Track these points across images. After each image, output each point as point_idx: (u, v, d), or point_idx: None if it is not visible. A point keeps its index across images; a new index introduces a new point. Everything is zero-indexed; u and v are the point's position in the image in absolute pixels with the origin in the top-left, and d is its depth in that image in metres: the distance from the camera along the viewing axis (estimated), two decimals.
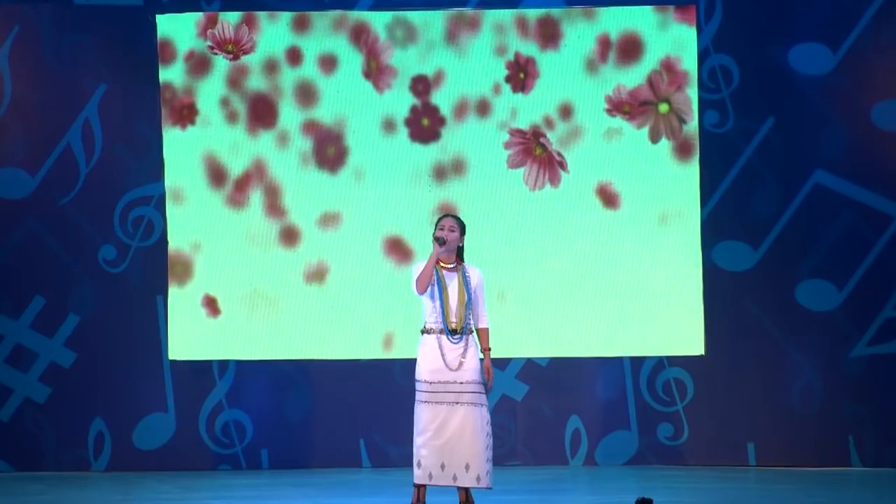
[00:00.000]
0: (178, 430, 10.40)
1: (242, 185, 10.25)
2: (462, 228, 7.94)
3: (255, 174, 10.18)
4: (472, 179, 10.24)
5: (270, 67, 10.09)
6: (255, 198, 10.30)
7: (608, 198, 10.20)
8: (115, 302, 10.41)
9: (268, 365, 10.37)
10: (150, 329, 10.40)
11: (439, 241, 7.79)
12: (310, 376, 10.40)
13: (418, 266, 7.89)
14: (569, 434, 10.36)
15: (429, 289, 7.82)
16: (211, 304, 10.34)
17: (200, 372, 10.42)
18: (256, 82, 10.14)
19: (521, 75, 10.08)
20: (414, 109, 10.20)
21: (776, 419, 10.23)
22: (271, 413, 10.39)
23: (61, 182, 10.38)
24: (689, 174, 10.26)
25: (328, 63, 10.18)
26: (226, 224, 10.37)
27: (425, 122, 10.23)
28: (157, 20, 10.13)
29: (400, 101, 10.22)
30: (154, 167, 10.40)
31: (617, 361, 10.34)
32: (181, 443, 10.39)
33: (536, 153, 10.09)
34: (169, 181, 10.33)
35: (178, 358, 10.40)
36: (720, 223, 10.30)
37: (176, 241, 10.39)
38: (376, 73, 9.94)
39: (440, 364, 7.78)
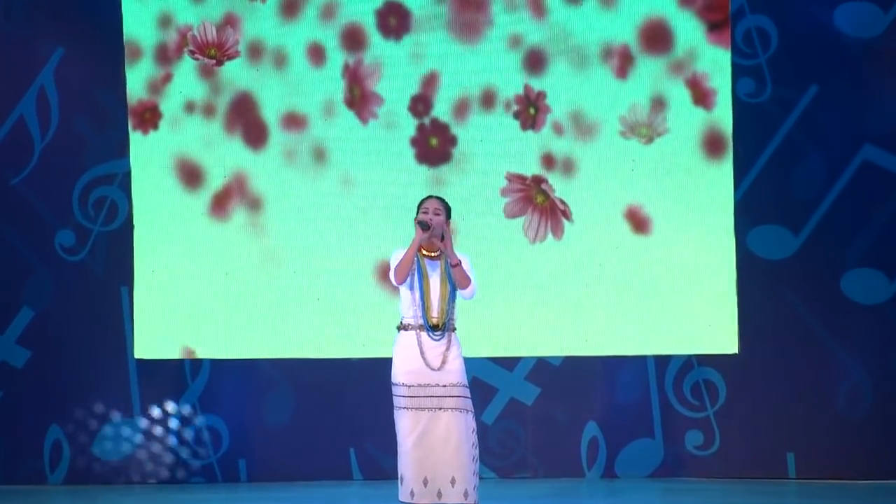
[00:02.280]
0: (144, 437, 10.23)
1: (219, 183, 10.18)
2: (448, 211, 7.76)
3: (236, 187, 10.15)
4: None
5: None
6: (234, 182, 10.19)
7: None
8: (73, 294, 10.23)
9: (246, 364, 10.20)
10: (114, 324, 10.23)
11: (423, 225, 7.63)
12: (294, 377, 10.21)
13: (398, 253, 7.72)
14: (585, 442, 10.16)
15: (408, 279, 7.67)
16: (182, 296, 10.13)
17: (170, 372, 10.26)
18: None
19: (531, 111, 9.96)
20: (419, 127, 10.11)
21: (819, 426, 10.05)
22: (250, 419, 10.23)
23: (13, 159, 10.27)
24: (720, 151, 10.08)
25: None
26: (199, 205, 10.20)
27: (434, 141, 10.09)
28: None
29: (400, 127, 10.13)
30: (118, 142, 10.20)
31: (639, 361, 10.14)
32: (148, 452, 10.23)
33: (538, 201, 9.93)
34: (135, 157, 10.17)
35: (146, 357, 10.22)
36: (756, 205, 10.10)
37: (143, 225, 10.19)
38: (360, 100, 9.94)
39: (419, 364, 7.64)
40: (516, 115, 10.01)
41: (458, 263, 7.63)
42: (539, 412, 10.18)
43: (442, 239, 7.66)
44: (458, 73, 10.02)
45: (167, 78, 10.06)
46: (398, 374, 7.73)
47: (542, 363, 10.19)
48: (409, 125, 10.07)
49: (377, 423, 9.82)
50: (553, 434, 10.19)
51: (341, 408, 10.19)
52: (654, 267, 10.04)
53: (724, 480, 10.02)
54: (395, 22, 10.06)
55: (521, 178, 10.01)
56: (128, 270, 10.20)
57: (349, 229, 10.12)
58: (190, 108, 10.04)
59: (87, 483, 10.21)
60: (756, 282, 10.06)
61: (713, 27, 9.91)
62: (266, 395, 10.24)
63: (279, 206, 10.15)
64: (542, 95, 9.97)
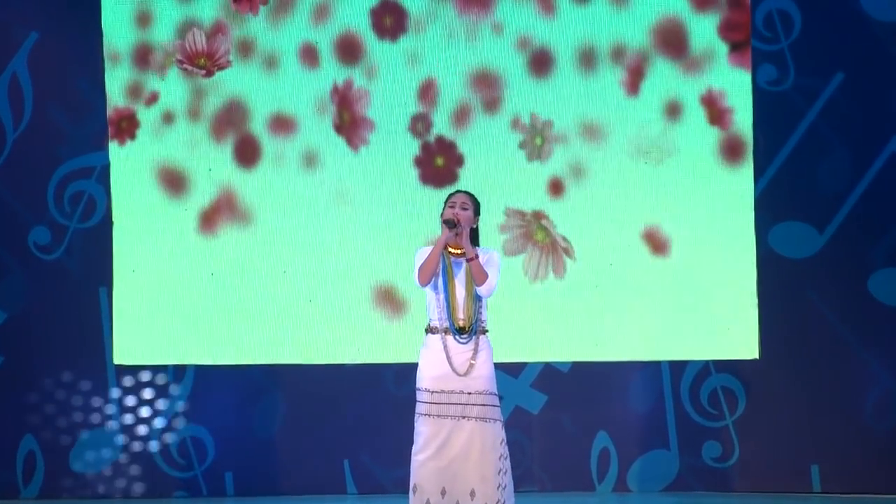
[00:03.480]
0: (125, 449, 10.13)
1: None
2: (476, 206, 7.70)
3: (224, 199, 10.06)
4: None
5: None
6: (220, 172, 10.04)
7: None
8: (48, 295, 10.14)
9: (233, 370, 10.12)
10: (92, 327, 10.12)
11: (449, 223, 7.56)
12: (284, 384, 10.14)
13: (422, 252, 7.65)
14: (595, 454, 10.08)
15: (433, 280, 7.61)
16: (165, 297, 10.04)
17: (152, 379, 10.16)
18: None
19: (537, 141, 9.87)
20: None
21: (846, 437, 9.99)
22: (237, 428, 10.14)
23: None
24: (739, 138, 9.98)
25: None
26: (182, 202, 10.09)
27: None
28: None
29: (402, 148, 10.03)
30: (96, 132, 10.09)
31: (653, 367, 10.08)
32: (129, 465, 10.14)
33: (538, 238, 9.90)
34: (114, 149, 10.05)
35: (126, 362, 10.12)
36: (778, 201, 10.03)
37: (122, 221, 10.08)
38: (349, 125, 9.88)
39: (445, 369, 7.58)
40: (522, 146, 9.94)
41: (475, 257, 7.56)
42: (546, 421, 10.13)
43: (461, 233, 7.64)
44: (456, 82, 9.95)
45: (147, 84, 10.00)
46: (423, 378, 7.66)
47: (549, 369, 10.12)
48: (411, 145, 10.01)
49: (373, 433, 10.00)
50: (561, 445, 10.12)
51: (335, 417, 10.11)
52: (668, 266, 9.94)
53: (743, 495, 10.00)
54: (390, 21, 9.96)
55: (520, 214, 9.91)
56: (106, 270, 10.11)
57: (345, 227, 10.01)
58: (169, 117, 9.96)
59: (63, 497, 10.16)
60: (778, 282, 10.00)
61: (735, 47, 9.86)
62: (254, 404, 10.16)
63: (270, 203, 10.02)
64: (548, 125, 9.90)
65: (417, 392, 7.65)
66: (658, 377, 10.06)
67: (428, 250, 7.61)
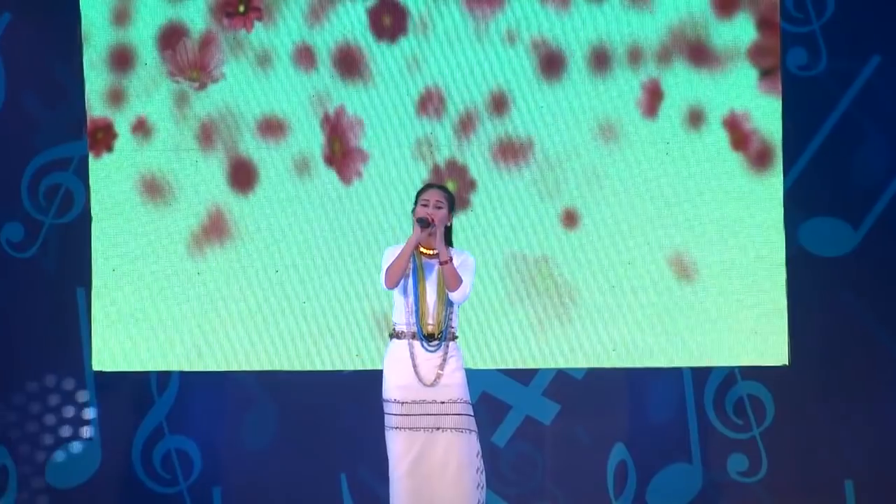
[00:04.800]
0: (104, 462, 9.99)
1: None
2: (451, 203, 7.73)
3: (213, 219, 9.93)
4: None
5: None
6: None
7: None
8: (22, 296, 10.05)
9: (221, 377, 9.97)
10: (69, 331, 9.99)
11: (422, 222, 7.59)
12: (277, 392, 9.99)
13: (392, 251, 7.71)
14: (612, 467, 9.92)
15: (401, 281, 7.66)
16: (147, 298, 9.92)
17: (134, 386, 10.02)
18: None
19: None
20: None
21: (882, 450, 9.86)
22: (226, 440, 10.02)
23: None
24: (769, 124, 9.80)
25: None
26: (166, 198, 10.01)
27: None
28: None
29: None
30: (73, 120, 9.95)
31: (674, 373, 9.90)
32: (109, 479, 10.01)
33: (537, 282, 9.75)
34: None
35: (105, 368, 9.96)
36: (809, 195, 9.87)
37: (102, 216, 9.93)
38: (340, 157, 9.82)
39: (411, 378, 7.65)
40: (534, 184, 9.84)
41: (448, 260, 7.56)
42: (559, 433, 9.97)
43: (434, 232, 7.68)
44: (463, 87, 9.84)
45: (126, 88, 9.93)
46: (389, 388, 7.73)
47: (562, 376, 9.96)
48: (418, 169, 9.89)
49: (371, 444, 9.33)
50: (575, 458, 9.97)
51: (331, 427, 9.99)
52: (691, 267, 9.81)
53: None
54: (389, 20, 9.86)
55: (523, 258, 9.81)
56: (85, 269, 9.96)
57: (341, 225, 9.90)
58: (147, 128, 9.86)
59: None
60: (809, 283, 9.85)
61: (764, 74, 9.74)
62: (245, 413, 10.05)
63: (260, 198, 9.94)
64: (563, 159, 9.80)
65: (385, 404, 7.69)
66: (680, 385, 9.93)
67: (398, 249, 7.61)
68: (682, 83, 9.75)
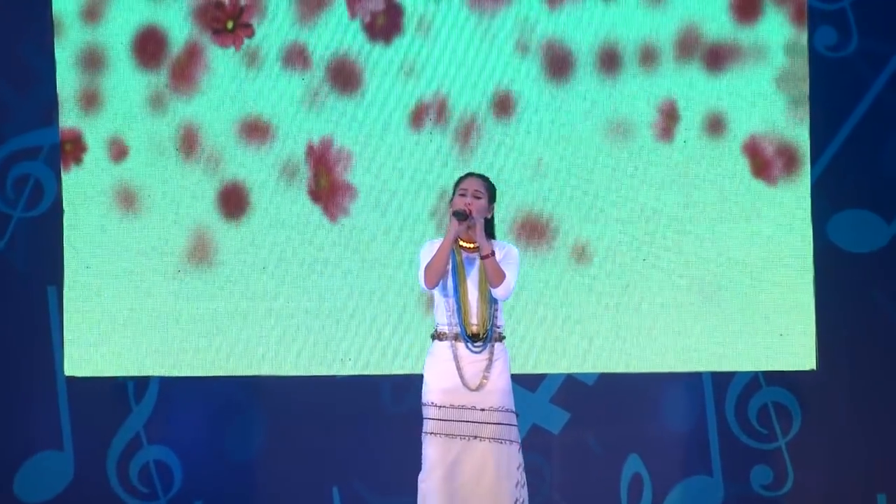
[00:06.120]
0: (77, 474, 9.85)
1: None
2: (492, 193, 7.58)
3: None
4: None
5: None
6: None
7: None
8: None
9: (204, 383, 9.85)
10: (39, 333, 9.88)
11: (459, 215, 7.40)
12: (262, 399, 9.88)
13: (429, 247, 7.56)
14: (626, 480, 9.78)
15: (442, 280, 7.51)
16: (124, 298, 9.76)
17: (109, 393, 9.88)
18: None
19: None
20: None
21: None
22: (209, 450, 9.89)
23: None
24: (794, 114, 9.65)
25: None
26: (149, 183, 9.84)
27: None
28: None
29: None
30: (44, 106, 9.83)
31: (693, 378, 9.76)
32: (82, 492, 9.89)
33: None
34: (66, 111, 9.80)
35: (78, 374, 9.81)
36: (838, 186, 9.72)
37: (75, 209, 9.79)
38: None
39: (455, 381, 7.49)
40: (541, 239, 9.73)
41: (491, 254, 7.43)
42: (568, 442, 9.86)
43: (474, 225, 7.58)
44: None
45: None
46: (430, 391, 7.56)
47: (571, 381, 9.85)
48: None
49: (366, 455, 9.83)
50: (586, 470, 9.85)
51: (322, 437, 9.85)
52: (710, 262, 9.68)
53: None
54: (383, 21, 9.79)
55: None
56: (56, 266, 9.83)
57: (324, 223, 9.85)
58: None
59: None
60: (839, 281, 9.70)
61: (793, 102, 9.66)
62: (229, 422, 9.93)
63: (245, 197, 9.80)
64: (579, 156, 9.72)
65: (424, 407, 7.55)
66: (699, 391, 9.82)
67: (436, 244, 7.49)
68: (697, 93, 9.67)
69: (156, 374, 9.79)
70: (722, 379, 9.71)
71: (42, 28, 9.84)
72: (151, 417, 9.84)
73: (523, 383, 9.57)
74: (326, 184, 9.98)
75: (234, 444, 9.84)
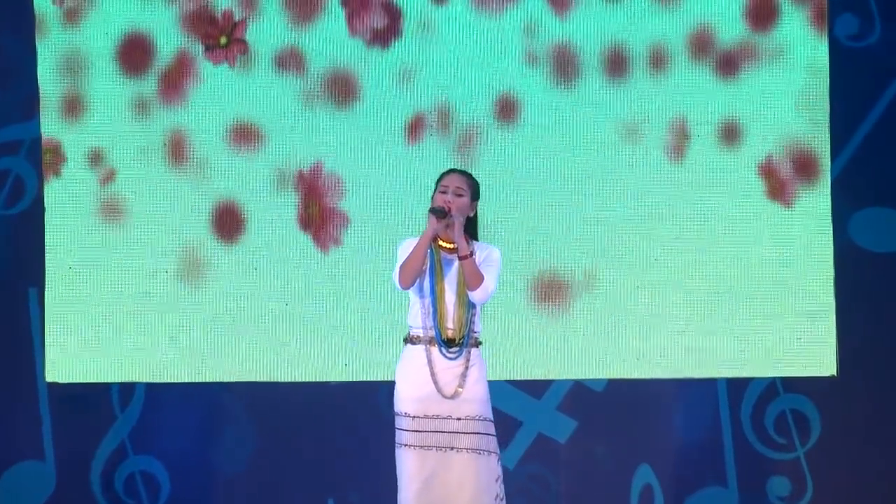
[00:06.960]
0: (59, 485, 9.72)
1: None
2: (474, 190, 7.45)
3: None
4: None
5: None
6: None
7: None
8: None
9: (192, 390, 9.73)
10: (19, 337, 9.74)
11: (438, 212, 7.31)
12: (254, 407, 9.73)
13: (407, 245, 7.46)
14: (636, 492, 9.64)
15: (417, 280, 7.41)
16: (108, 300, 9.62)
17: (92, 400, 9.74)
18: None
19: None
20: None
21: None
22: (197, 461, 9.74)
23: None
24: (813, 111, 9.50)
25: None
26: (134, 181, 9.71)
27: None
28: None
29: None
30: (24, 98, 9.71)
31: (707, 385, 9.61)
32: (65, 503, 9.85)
33: None
34: (46, 119, 9.67)
35: (60, 380, 9.69)
36: (860, 182, 9.57)
37: (57, 207, 9.63)
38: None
39: (428, 389, 7.40)
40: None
41: (469, 255, 7.29)
42: (576, 452, 9.71)
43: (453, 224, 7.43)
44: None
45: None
46: (402, 400, 7.44)
47: (579, 388, 9.69)
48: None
49: (362, 465, 9.70)
50: (594, 481, 9.69)
51: (317, 446, 9.71)
52: (725, 263, 9.55)
53: None
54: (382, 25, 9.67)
55: None
56: (37, 267, 9.68)
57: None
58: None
59: None
60: (861, 282, 9.55)
61: (812, 99, 9.55)
62: (219, 430, 9.78)
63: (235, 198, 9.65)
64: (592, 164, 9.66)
65: (396, 417, 7.49)
66: (713, 398, 9.65)
67: (413, 243, 7.37)
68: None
69: (142, 379, 9.64)
70: (737, 385, 9.58)
71: (23, 21, 9.76)
72: (137, 425, 9.70)
73: (528, 390, 9.62)
74: (319, 194, 9.74)
75: (225, 454, 9.72)
